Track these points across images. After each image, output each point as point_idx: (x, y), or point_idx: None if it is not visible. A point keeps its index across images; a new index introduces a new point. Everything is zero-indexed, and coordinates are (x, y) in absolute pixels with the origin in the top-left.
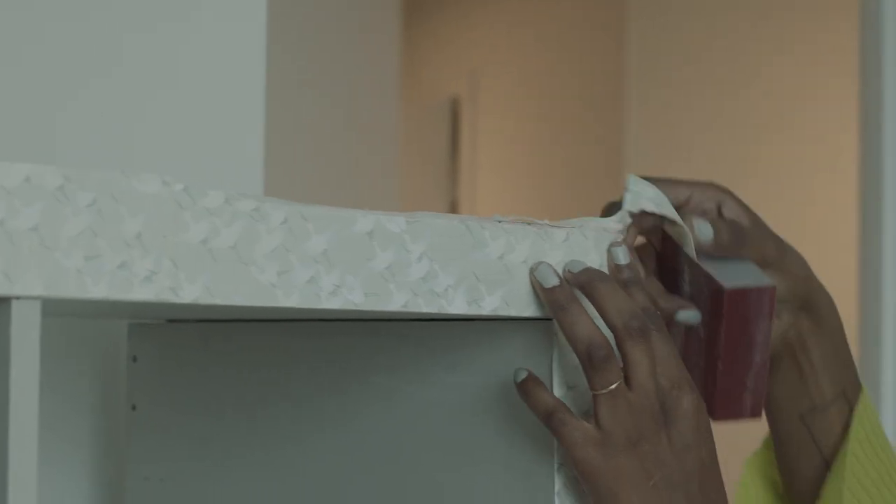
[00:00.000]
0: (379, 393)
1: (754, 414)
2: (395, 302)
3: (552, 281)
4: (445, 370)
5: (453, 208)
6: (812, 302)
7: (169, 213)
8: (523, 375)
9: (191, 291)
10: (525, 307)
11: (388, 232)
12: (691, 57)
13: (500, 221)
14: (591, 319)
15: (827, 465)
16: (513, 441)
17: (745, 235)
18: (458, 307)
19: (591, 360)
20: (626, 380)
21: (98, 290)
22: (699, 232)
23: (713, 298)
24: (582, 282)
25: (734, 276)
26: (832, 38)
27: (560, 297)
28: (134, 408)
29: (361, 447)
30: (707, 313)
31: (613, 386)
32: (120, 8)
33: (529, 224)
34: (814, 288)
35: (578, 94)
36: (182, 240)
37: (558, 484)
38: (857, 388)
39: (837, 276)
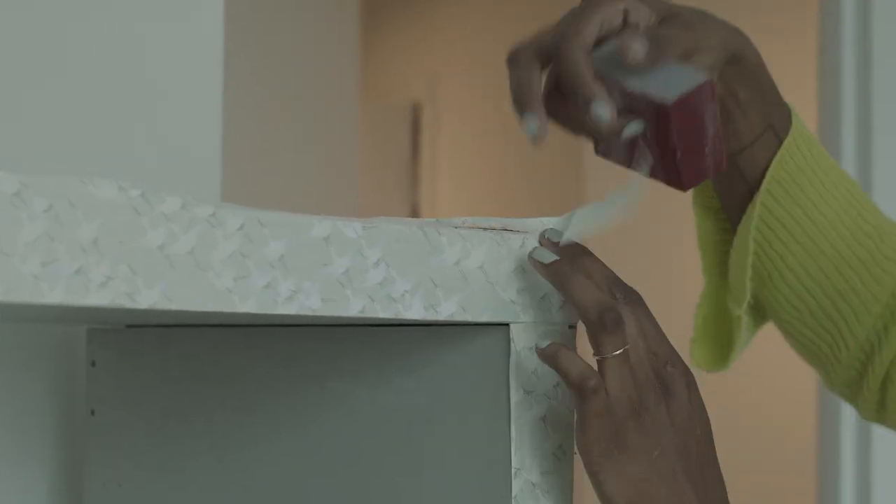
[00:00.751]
0: (336, 398)
1: (719, 169)
2: (352, 307)
3: (551, 257)
4: (402, 375)
5: (414, 211)
6: (733, 55)
7: (126, 218)
8: (547, 342)
9: (148, 297)
10: (481, 312)
11: (344, 237)
12: None
13: (456, 227)
14: (595, 286)
15: (752, 196)
16: (470, 446)
17: (658, 45)
18: (415, 312)
19: (603, 323)
20: None
21: (54, 295)
22: (598, 117)
23: (659, 115)
24: (570, 254)
25: (669, 85)
26: (788, 50)
27: (563, 269)
28: (93, 412)
29: (318, 452)
30: (654, 126)
31: (620, 350)
32: (75, 8)
33: (486, 229)
34: (731, 43)
35: None
36: (139, 245)
37: (515, 488)
38: (787, 124)
39: None
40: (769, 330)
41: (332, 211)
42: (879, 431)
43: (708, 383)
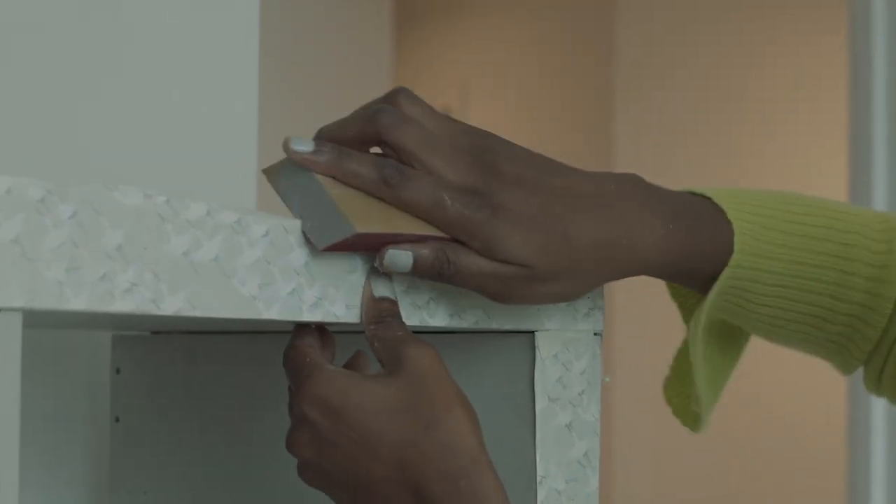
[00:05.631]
0: None
1: None
2: None
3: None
4: None
5: None
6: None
7: (150, 225)
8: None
9: (172, 303)
10: (506, 320)
11: None
12: (680, 71)
13: None
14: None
15: None
16: (495, 454)
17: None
18: (440, 320)
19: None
20: None
21: (79, 301)
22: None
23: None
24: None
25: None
26: (819, 51)
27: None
28: (117, 419)
29: None
30: None
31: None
32: (110, 11)
33: None
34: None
35: (567, 107)
36: (164, 252)
37: (541, 496)
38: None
39: None
40: None
41: None
42: None
43: (739, 391)
